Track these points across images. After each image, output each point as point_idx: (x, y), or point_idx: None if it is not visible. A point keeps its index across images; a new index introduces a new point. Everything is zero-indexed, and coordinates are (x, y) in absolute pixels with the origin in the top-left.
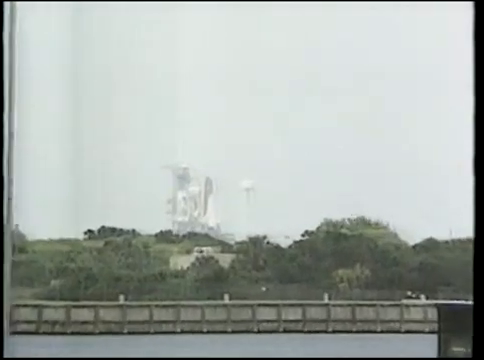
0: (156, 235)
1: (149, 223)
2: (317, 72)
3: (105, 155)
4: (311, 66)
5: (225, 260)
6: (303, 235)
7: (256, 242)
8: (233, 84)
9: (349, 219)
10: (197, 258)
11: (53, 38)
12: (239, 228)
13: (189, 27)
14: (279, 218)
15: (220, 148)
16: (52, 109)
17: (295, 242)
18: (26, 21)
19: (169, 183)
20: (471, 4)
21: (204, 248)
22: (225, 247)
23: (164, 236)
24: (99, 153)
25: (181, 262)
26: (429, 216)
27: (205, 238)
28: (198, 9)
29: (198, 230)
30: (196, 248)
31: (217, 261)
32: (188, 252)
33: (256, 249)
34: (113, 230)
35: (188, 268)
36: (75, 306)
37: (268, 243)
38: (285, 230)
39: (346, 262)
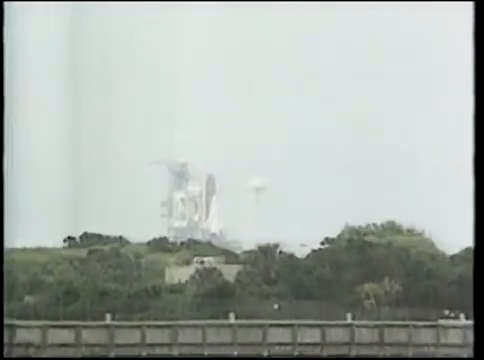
0: (149, 243)
1: (140, 229)
2: (316, 72)
3: (96, 154)
4: (310, 66)
5: (230, 272)
6: (322, 243)
7: (267, 251)
8: (232, 84)
9: (375, 224)
10: (197, 270)
11: (52, 38)
12: (247, 235)
13: (188, 27)
14: (294, 223)
15: (223, 144)
16: (52, 109)
17: (313, 251)
18: (25, 21)
19: (164, 181)
20: (471, 4)
21: (206, 258)
22: (230, 257)
23: (158, 244)
24: (95, 153)
25: (179, 275)
26: (468, 221)
27: (207, 246)
28: (197, 9)
29: (198, 237)
30: (196, 258)
31: (221, 274)
32: (187, 263)
33: (267, 259)
34: (98, 237)
35: (187, 282)
36: (53, 326)
37: (281, 252)
38: (301, 237)
39: (373, 275)
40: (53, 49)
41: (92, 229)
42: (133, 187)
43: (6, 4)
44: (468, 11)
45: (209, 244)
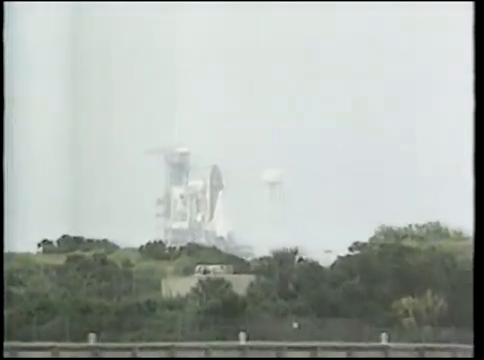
0: (141, 248)
1: (131, 231)
2: (316, 72)
3: (95, 154)
4: (310, 66)
5: (240, 284)
6: (351, 249)
7: (284, 258)
8: (232, 84)
9: (417, 225)
10: (200, 281)
11: (52, 38)
12: (259, 238)
13: (188, 27)
14: (316, 224)
15: (223, 144)
16: (52, 109)
17: (340, 258)
18: (25, 21)
19: (160, 174)
20: (471, 4)
21: (210, 267)
22: (240, 265)
23: (153, 250)
24: (95, 153)
25: (178, 287)
26: None
27: (212, 252)
28: (197, 9)
29: (202, 241)
30: (199, 267)
31: (228, 285)
32: (187, 272)
33: (284, 268)
34: (79, 241)
35: (188, 295)
36: (24, 348)
37: (301, 260)
38: (325, 241)
39: (412, 288)
40: (53, 49)
41: (90, 231)
42: (127, 183)
43: (6, 4)
44: (468, 11)
45: (214, 249)
